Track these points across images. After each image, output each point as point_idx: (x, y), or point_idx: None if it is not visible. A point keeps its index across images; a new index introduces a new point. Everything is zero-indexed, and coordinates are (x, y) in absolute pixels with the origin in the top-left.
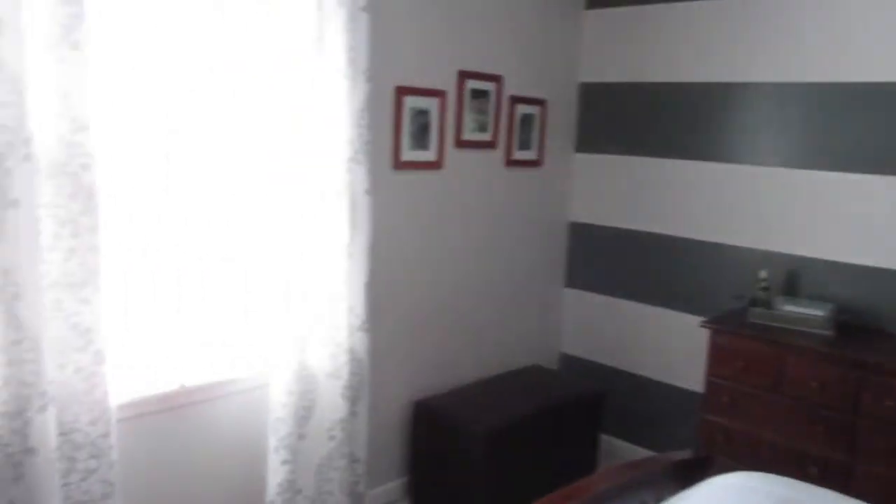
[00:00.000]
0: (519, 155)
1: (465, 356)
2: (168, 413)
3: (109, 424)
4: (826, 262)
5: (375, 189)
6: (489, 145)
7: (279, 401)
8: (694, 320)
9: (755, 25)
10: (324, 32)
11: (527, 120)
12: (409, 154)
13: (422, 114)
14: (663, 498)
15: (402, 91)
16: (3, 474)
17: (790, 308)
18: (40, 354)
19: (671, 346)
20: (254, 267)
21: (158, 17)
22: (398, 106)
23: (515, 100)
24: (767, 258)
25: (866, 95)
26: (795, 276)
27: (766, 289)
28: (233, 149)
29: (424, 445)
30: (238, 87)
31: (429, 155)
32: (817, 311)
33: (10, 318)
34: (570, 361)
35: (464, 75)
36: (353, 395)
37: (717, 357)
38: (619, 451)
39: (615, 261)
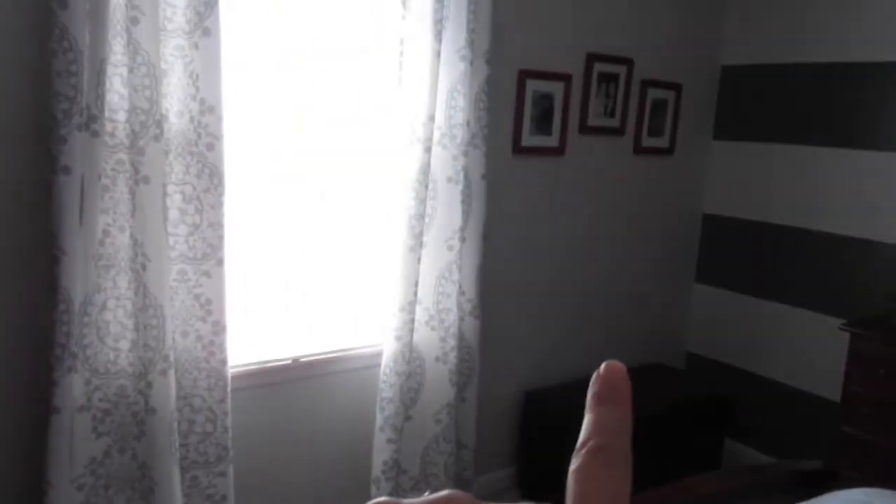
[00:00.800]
0: (649, 142)
1: (583, 349)
2: (281, 385)
3: (226, 391)
4: None
5: (494, 174)
6: (617, 132)
7: (387, 381)
8: (836, 323)
9: None
10: (444, 14)
11: (659, 105)
12: (529, 139)
13: (545, 98)
14: None
15: (524, 74)
16: (129, 430)
17: None
18: (163, 321)
19: (809, 350)
20: (365, 247)
21: (273, 4)
22: (520, 90)
23: (647, 84)
24: None
25: None
26: None
27: None
28: (347, 129)
29: (535, 436)
30: (353, 70)
31: (551, 141)
32: None
33: (139, 286)
34: (697, 361)
35: (592, 58)
36: (461, 380)
37: (858, 364)
38: (746, 458)
39: (752, 256)
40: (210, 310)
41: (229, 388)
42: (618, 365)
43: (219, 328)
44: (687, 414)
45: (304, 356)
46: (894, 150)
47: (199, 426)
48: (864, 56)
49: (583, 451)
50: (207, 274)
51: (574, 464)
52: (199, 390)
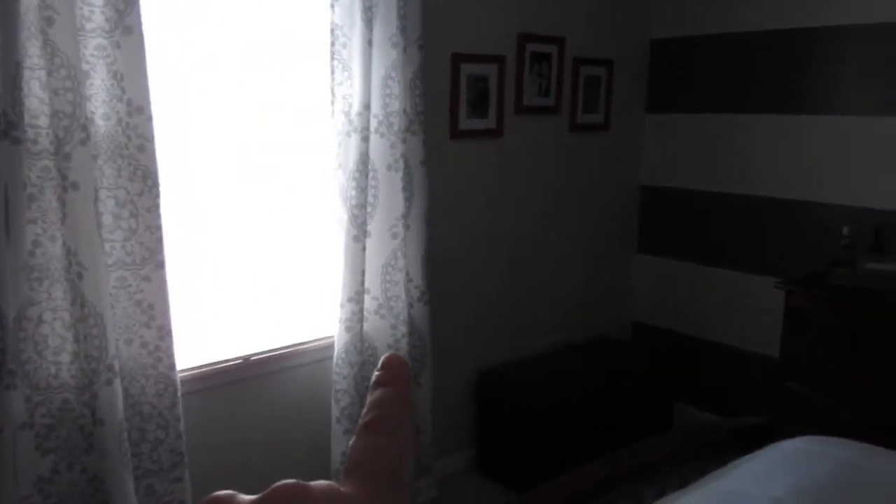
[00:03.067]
0: (584, 119)
1: (534, 326)
2: (233, 385)
3: (176, 396)
4: None
5: (433, 159)
6: (552, 110)
7: (340, 372)
8: (772, 283)
9: None
10: (374, 1)
11: (592, 82)
12: (466, 123)
13: (480, 81)
14: (726, 462)
15: (458, 58)
16: (76, 444)
17: (875, 266)
18: (104, 330)
19: (749, 311)
20: (310, 240)
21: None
22: (455, 74)
23: (579, 61)
24: (852, 214)
25: None
26: (882, 233)
27: (849, 247)
28: (284, 121)
29: (491, 417)
30: (284, 61)
31: (488, 123)
32: None
33: (76, 296)
34: (643, 330)
35: (524, 39)
36: (414, 366)
37: (794, 322)
38: (694, 419)
39: (690, 224)
40: (153, 315)
41: (179, 393)
42: (396, 355)
43: (164, 333)
44: (636, 381)
45: (255, 354)
46: (821, 113)
47: (151, 434)
48: (788, 23)
49: (359, 427)
50: (148, 278)
51: (352, 438)
52: (147, 397)
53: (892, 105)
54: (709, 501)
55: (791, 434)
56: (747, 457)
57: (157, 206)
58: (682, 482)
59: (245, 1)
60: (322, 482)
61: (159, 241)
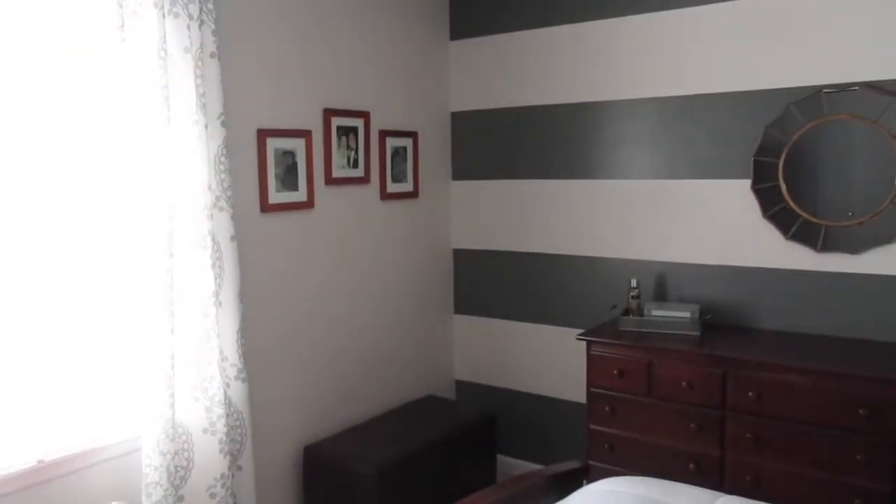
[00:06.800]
0: (394, 188)
1: (358, 394)
2: (26, 492)
3: None
4: (689, 265)
5: (244, 234)
6: (362, 181)
7: (151, 464)
8: (575, 334)
9: (609, 45)
10: (169, 80)
11: (399, 153)
12: (277, 196)
13: (287, 154)
14: None
15: (264, 133)
16: None
17: (658, 313)
18: None
19: (557, 362)
20: (113, 323)
21: None
22: (261, 149)
23: (385, 133)
24: (638, 267)
25: (708, 105)
26: (663, 282)
27: (636, 297)
28: (85, 205)
29: (318, 491)
30: (85, 140)
31: (299, 195)
32: (683, 314)
33: None
34: (464, 387)
35: (329, 113)
36: (233, 448)
37: (595, 368)
38: (516, 470)
39: (499, 283)
40: None
41: None
42: None
43: None
44: (460, 438)
45: (51, 454)
46: (600, 177)
47: None
48: (569, 98)
49: None
50: None
51: None
52: None
53: (662, 169)
54: None
55: (600, 474)
56: (559, 503)
57: None
58: None
59: (25, 69)
60: None
61: None
